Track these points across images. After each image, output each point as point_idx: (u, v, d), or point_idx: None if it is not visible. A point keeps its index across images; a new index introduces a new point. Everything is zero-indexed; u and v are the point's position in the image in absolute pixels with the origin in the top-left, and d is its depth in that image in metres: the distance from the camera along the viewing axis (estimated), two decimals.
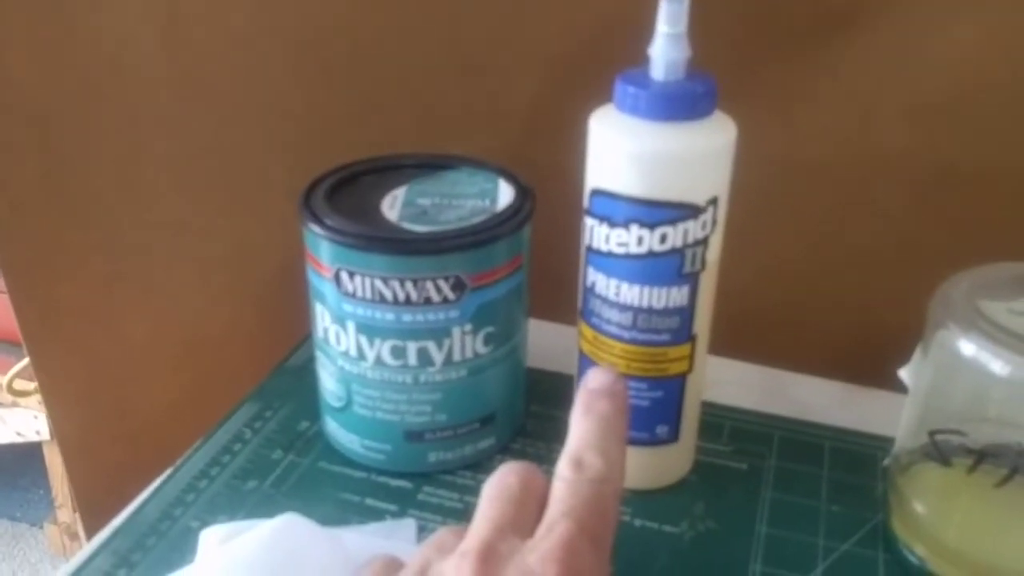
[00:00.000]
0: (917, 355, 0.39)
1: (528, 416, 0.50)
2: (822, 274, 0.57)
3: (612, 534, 0.33)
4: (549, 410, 0.51)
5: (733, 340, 0.56)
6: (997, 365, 0.36)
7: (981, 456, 0.37)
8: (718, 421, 0.51)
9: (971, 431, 0.38)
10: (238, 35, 0.58)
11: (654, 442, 0.44)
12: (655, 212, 0.38)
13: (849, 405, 0.52)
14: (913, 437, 0.40)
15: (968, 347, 0.37)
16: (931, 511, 0.40)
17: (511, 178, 0.46)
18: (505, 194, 0.45)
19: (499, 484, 0.34)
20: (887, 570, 0.41)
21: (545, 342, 0.51)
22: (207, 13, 0.57)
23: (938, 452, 0.39)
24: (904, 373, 0.39)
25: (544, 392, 0.52)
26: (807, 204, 0.55)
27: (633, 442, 0.43)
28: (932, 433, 0.39)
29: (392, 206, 0.44)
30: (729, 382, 0.54)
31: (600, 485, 0.33)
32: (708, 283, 0.41)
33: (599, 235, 0.40)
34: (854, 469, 0.47)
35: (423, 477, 0.46)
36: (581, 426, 0.34)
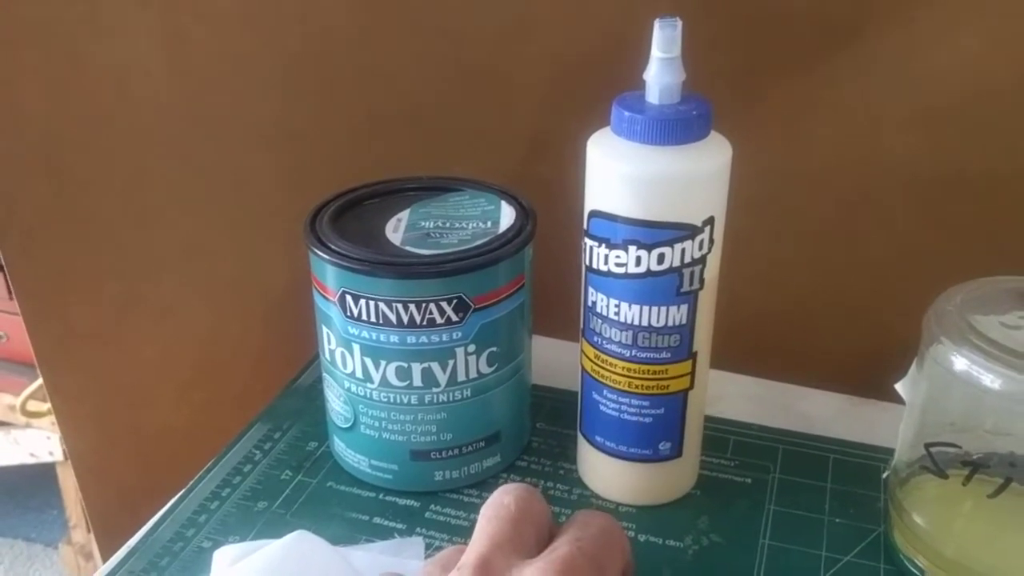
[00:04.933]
0: (913, 369, 0.40)
1: (534, 433, 0.51)
2: (826, 285, 0.57)
3: (621, 570, 0.34)
4: (555, 427, 0.51)
5: (738, 354, 0.56)
6: (989, 379, 0.36)
7: (975, 467, 0.38)
8: (722, 435, 0.51)
9: (966, 443, 0.38)
10: (242, 60, 0.59)
11: (657, 459, 0.44)
12: (652, 233, 0.39)
13: (853, 417, 0.53)
14: (910, 450, 0.41)
15: (961, 362, 0.37)
16: (930, 522, 0.40)
17: (513, 199, 0.47)
18: (507, 215, 0.46)
19: (496, 504, 0.35)
20: None
21: (550, 359, 0.51)
22: (211, 38, 0.59)
23: (934, 464, 0.39)
24: (900, 387, 0.40)
25: (550, 409, 0.52)
26: (811, 215, 0.56)
27: (636, 459, 0.44)
28: (928, 445, 0.39)
29: (396, 229, 0.45)
30: (733, 396, 0.55)
31: (612, 530, 0.35)
32: (707, 301, 0.41)
33: (598, 256, 0.41)
34: (857, 481, 0.47)
35: (430, 496, 0.46)
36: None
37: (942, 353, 0.38)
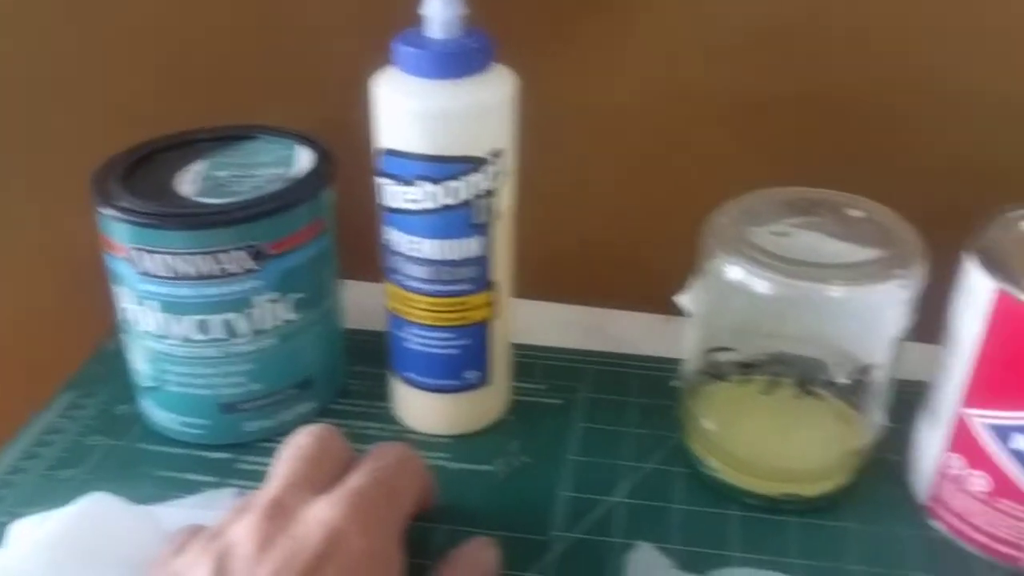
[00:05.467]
0: (693, 282, 0.42)
1: (351, 377, 0.51)
2: (632, 211, 0.59)
3: (413, 497, 0.36)
4: (372, 368, 0.51)
5: (549, 283, 0.58)
6: (760, 285, 0.39)
7: (749, 368, 0.41)
8: (533, 362, 0.53)
9: (743, 347, 0.41)
10: (25, 16, 0.55)
11: (466, 388, 0.46)
12: (441, 168, 0.40)
13: (659, 335, 0.55)
14: (695, 358, 0.43)
15: (734, 271, 0.40)
16: (717, 425, 0.43)
17: (310, 144, 0.47)
18: (303, 160, 0.46)
19: (292, 445, 0.35)
20: (686, 483, 0.45)
21: (367, 302, 0.51)
22: None
23: (714, 368, 0.42)
24: (683, 299, 0.42)
25: (366, 351, 0.52)
26: (614, 145, 0.57)
27: (445, 390, 0.45)
28: (708, 351, 0.42)
29: (189, 182, 0.44)
30: (545, 324, 0.57)
31: (406, 459, 0.37)
32: (502, 232, 0.43)
33: (391, 193, 0.41)
34: (660, 394, 0.50)
35: (243, 447, 0.46)
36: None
37: (718, 264, 0.40)
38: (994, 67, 0.51)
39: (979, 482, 0.40)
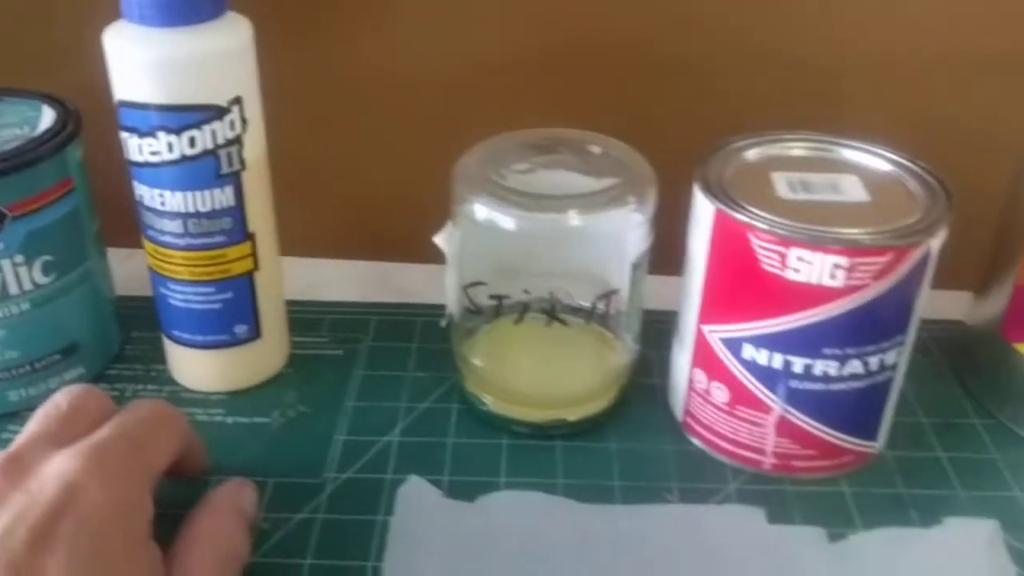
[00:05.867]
0: (448, 224, 0.43)
1: (128, 342, 0.50)
2: (409, 166, 0.60)
3: (167, 450, 0.35)
4: (150, 333, 0.51)
5: (337, 241, 0.59)
6: (505, 221, 0.40)
7: (500, 300, 0.42)
8: (318, 317, 0.53)
9: (494, 280, 0.43)
10: None
11: (236, 342, 0.46)
12: (178, 117, 0.39)
13: (442, 284, 0.56)
14: (456, 296, 0.44)
15: (481, 210, 0.41)
16: (483, 359, 0.45)
17: (55, 103, 0.45)
18: (48, 119, 0.44)
19: (46, 405, 0.35)
20: (459, 418, 0.46)
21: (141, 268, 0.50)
22: None
23: (473, 304, 0.43)
24: (439, 240, 0.43)
25: (144, 317, 0.51)
26: (386, 102, 0.58)
27: (215, 345, 0.45)
28: (464, 288, 0.43)
29: None
30: (331, 280, 0.57)
31: (160, 413, 0.37)
32: (255, 181, 0.43)
33: (133, 147, 0.41)
34: (440, 338, 0.51)
35: (9, 417, 0.45)
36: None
37: (467, 204, 0.41)
38: (742, 18, 0.54)
39: (719, 393, 0.43)
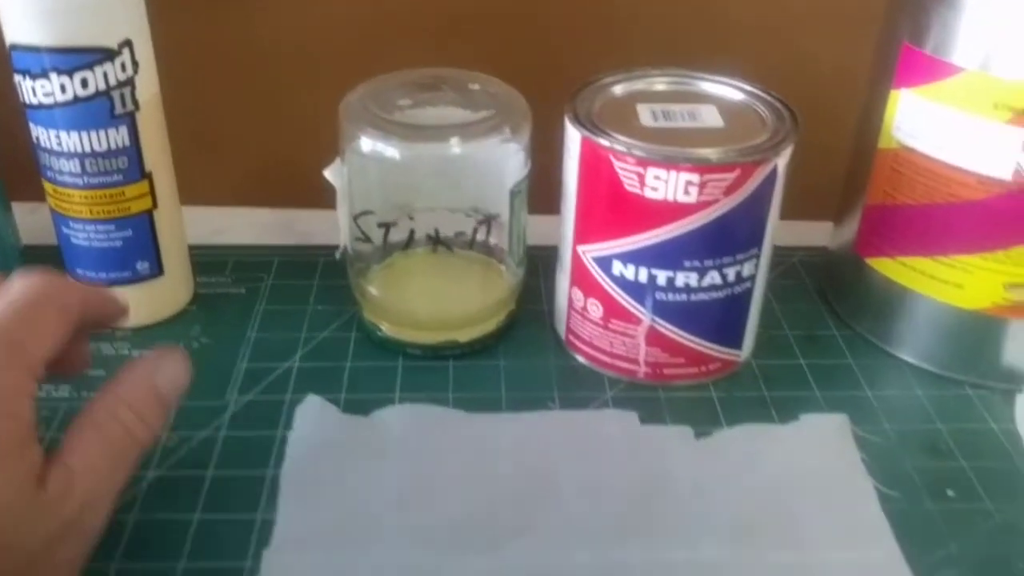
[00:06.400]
0: (337, 159, 0.46)
1: None
2: (305, 117, 0.62)
3: (47, 342, 0.31)
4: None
5: (244, 188, 0.61)
6: (390, 152, 0.43)
7: (388, 228, 0.45)
8: (223, 259, 0.55)
9: (380, 211, 0.46)
10: None
11: (138, 279, 0.48)
12: (68, 59, 0.41)
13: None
14: (348, 228, 0.47)
15: (367, 143, 0.44)
16: (377, 288, 0.48)
17: None
18: None
19: None
20: (357, 345, 0.49)
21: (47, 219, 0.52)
22: None
23: (362, 233, 0.46)
24: (328, 174, 0.46)
25: (51, 261, 0.53)
26: (265, 57, 0.60)
27: (118, 282, 0.47)
28: (354, 218, 0.46)
29: None
30: (239, 226, 0.59)
31: (35, 293, 0.31)
32: (150, 122, 0.45)
33: (27, 89, 0.42)
34: (340, 275, 0.54)
35: None
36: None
37: (354, 139, 0.44)
38: None
39: (595, 309, 0.46)
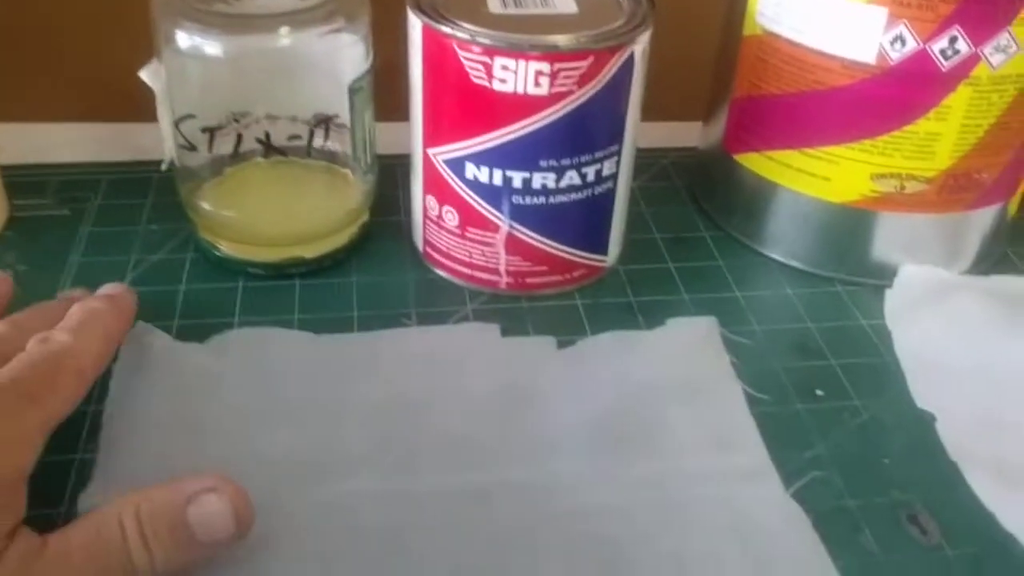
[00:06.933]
0: (154, 60, 0.41)
1: None
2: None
3: (62, 406, 0.32)
4: None
5: (70, 103, 0.55)
6: (211, 47, 0.39)
7: (212, 132, 0.41)
8: (43, 179, 0.50)
9: (203, 114, 0.41)
10: None
11: None
12: None
13: None
14: (170, 135, 0.42)
15: (183, 38, 0.39)
16: (209, 202, 0.43)
17: None
18: None
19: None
20: (193, 266, 0.45)
21: None
22: None
23: (186, 140, 0.41)
24: (144, 75, 0.41)
25: None
26: None
27: None
28: (176, 123, 0.41)
29: None
30: (64, 143, 0.54)
31: (58, 356, 0.32)
32: None
33: None
34: (177, 193, 0.49)
35: None
36: (67, 314, 0.34)
37: (169, 35, 0.39)
38: None
39: (450, 217, 0.43)
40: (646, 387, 0.39)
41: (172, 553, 0.29)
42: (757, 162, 0.47)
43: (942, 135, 0.42)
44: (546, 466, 0.35)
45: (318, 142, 0.43)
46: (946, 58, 0.40)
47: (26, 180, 0.49)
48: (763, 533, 0.33)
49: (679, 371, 0.40)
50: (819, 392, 0.40)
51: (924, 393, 0.40)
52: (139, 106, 0.55)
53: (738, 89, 0.47)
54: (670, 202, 0.52)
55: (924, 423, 0.39)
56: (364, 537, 0.32)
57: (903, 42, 0.40)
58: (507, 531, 0.33)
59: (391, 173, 0.49)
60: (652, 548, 0.32)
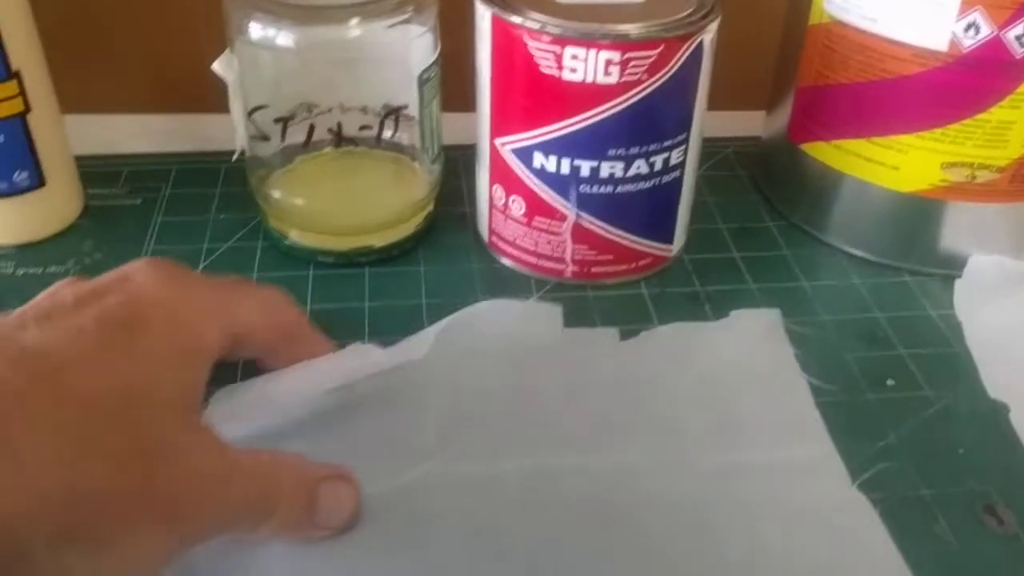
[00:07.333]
0: (226, 51, 0.42)
1: None
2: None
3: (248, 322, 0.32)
4: None
5: (138, 95, 0.56)
6: (282, 37, 0.39)
7: (285, 123, 0.41)
8: (117, 169, 0.51)
9: (276, 104, 0.42)
10: None
11: (17, 191, 0.44)
12: None
13: None
14: (243, 126, 0.43)
15: (256, 28, 0.40)
16: (280, 191, 0.44)
17: None
18: None
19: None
20: (264, 255, 0.46)
21: None
22: None
23: (257, 131, 0.42)
24: (217, 67, 0.42)
25: None
26: None
27: None
28: (249, 114, 0.42)
29: None
30: (133, 135, 0.55)
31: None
32: (10, 16, 0.40)
33: None
34: (245, 182, 0.50)
35: None
36: None
37: (241, 26, 0.40)
38: None
39: (517, 206, 0.43)
40: (707, 379, 0.39)
41: (287, 525, 0.29)
42: (823, 151, 0.46)
43: (1015, 123, 0.41)
44: (608, 457, 0.35)
45: (387, 134, 0.43)
46: (1021, 45, 0.39)
47: (99, 170, 0.50)
48: (828, 525, 0.33)
49: (742, 363, 0.40)
50: (890, 382, 0.40)
51: (997, 383, 0.40)
52: (207, 98, 0.57)
53: (803, 78, 0.46)
54: (734, 191, 0.52)
55: (998, 414, 0.38)
56: (441, 520, 0.32)
57: (977, 29, 0.39)
58: (574, 519, 0.33)
59: (453, 163, 0.49)
60: (715, 540, 0.32)
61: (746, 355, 0.40)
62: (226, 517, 0.27)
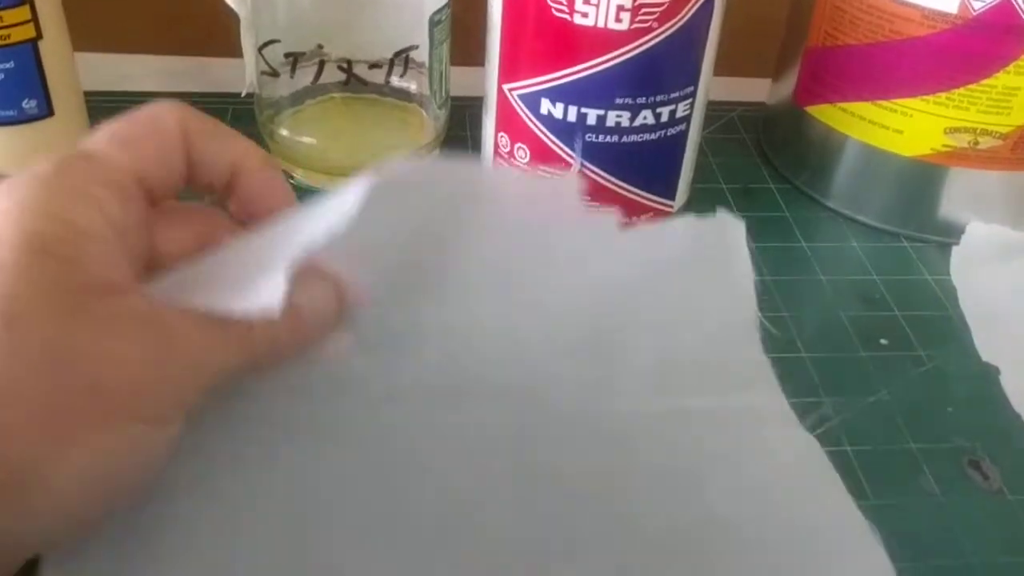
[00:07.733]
0: None
1: None
2: None
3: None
4: None
5: (151, 35, 0.56)
6: None
7: (295, 58, 0.41)
8: (125, 105, 0.50)
9: (287, 39, 0.42)
10: None
11: (25, 119, 0.44)
12: None
13: None
14: (252, 60, 0.43)
15: None
16: (287, 129, 0.44)
17: None
18: None
19: None
20: None
21: None
22: None
23: (268, 66, 0.42)
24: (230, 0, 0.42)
25: None
26: None
27: (3, 121, 0.43)
28: (259, 49, 0.42)
29: None
30: (143, 74, 0.55)
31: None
32: None
33: None
34: (253, 123, 0.50)
35: None
36: None
37: None
38: None
39: (522, 154, 0.43)
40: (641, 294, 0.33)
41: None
42: (829, 114, 0.47)
43: (1020, 89, 0.41)
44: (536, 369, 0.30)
45: (395, 80, 0.43)
46: None
47: (106, 106, 0.50)
48: (770, 456, 0.30)
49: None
50: (883, 341, 0.40)
51: (989, 347, 0.40)
52: (217, 40, 0.57)
53: (812, 38, 0.47)
54: (737, 154, 0.53)
55: (988, 375, 0.39)
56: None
57: None
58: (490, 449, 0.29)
59: (460, 114, 0.49)
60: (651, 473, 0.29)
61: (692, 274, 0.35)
62: None
